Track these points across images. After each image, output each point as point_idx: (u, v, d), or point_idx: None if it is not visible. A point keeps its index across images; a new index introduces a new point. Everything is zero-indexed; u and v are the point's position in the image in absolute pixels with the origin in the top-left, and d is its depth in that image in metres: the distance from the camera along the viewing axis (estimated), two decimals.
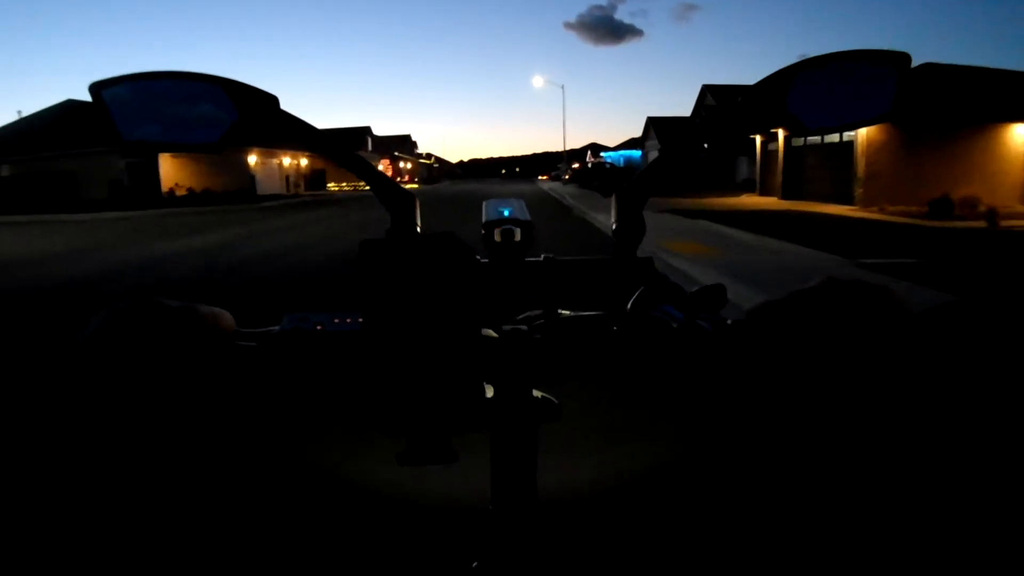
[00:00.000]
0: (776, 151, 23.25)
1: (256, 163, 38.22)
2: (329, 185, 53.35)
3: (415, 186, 53.23)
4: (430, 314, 0.46)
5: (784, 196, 21.78)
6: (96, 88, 0.54)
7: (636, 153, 55.77)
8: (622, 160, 56.48)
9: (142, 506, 2.33)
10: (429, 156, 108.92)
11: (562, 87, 48.26)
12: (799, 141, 21.31)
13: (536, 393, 0.55)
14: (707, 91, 41.12)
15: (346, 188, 53.45)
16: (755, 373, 0.50)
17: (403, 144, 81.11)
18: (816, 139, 20.31)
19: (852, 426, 2.60)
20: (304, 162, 46.18)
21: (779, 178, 22.45)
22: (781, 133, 21.85)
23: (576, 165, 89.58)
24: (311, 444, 2.80)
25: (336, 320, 0.54)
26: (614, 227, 0.58)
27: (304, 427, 2.89)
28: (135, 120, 0.56)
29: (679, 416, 3.10)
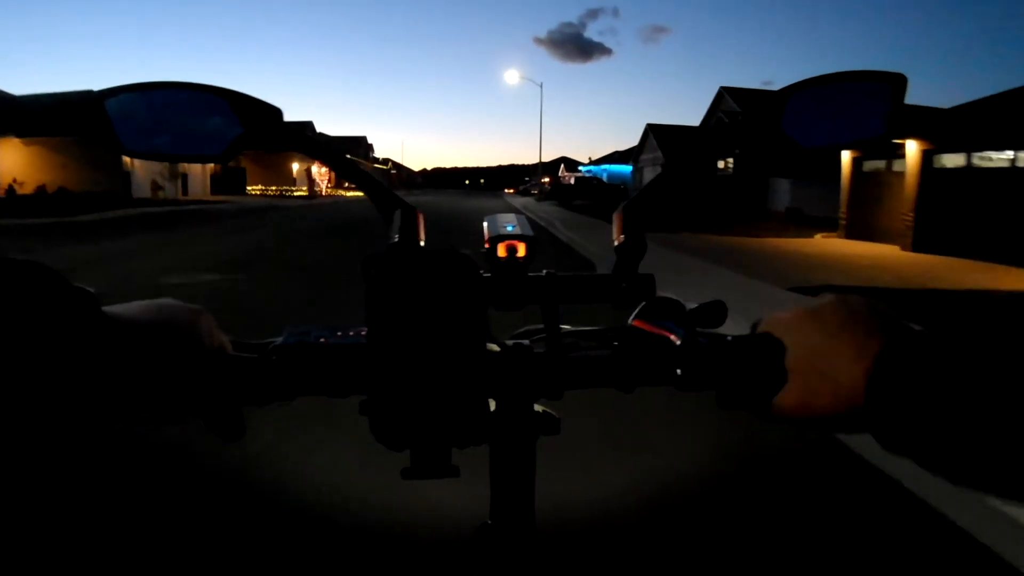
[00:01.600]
0: (886, 174, 14.61)
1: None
2: (251, 188, 43.90)
3: (344, 194, 45.19)
4: (435, 329, 0.47)
5: (920, 246, 12.62)
6: (100, 97, 0.54)
7: (623, 168, 47.69)
8: (604, 175, 48.50)
9: (135, 525, 2.33)
10: (387, 161, 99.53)
11: (540, 85, 40.31)
12: (953, 160, 12.74)
13: (537, 407, 0.56)
14: (724, 93, 33.08)
15: (271, 192, 43.93)
16: (759, 387, 0.50)
17: (357, 147, 73.61)
18: (988, 160, 12.01)
19: None
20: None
21: (904, 217, 13.20)
22: (913, 146, 13.29)
23: (547, 179, 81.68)
24: (310, 456, 2.88)
25: (339, 333, 0.53)
26: (616, 244, 0.59)
27: (303, 439, 3.02)
28: (138, 130, 0.56)
29: (680, 431, 3.20)
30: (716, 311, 0.56)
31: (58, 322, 0.36)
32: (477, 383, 0.48)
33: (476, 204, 32.54)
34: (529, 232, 0.57)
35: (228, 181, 40.85)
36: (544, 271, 0.58)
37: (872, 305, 0.47)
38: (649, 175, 40.08)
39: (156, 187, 31.69)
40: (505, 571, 0.56)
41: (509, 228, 0.57)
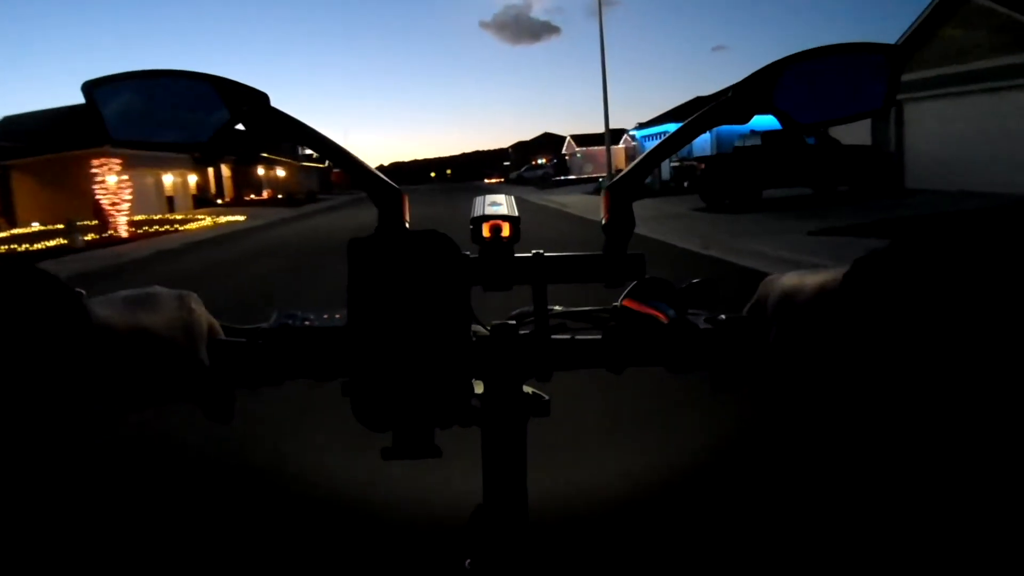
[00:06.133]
0: None
1: None
2: (203, 221, 26.93)
3: (237, 220, 28.66)
4: (416, 309, 0.48)
5: None
6: (88, 87, 0.54)
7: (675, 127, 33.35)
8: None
9: (127, 510, 2.50)
10: (323, 159, 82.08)
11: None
12: None
13: (526, 389, 0.57)
14: None
15: (238, 221, 26.49)
16: (756, 367, 0.51)
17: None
18: None
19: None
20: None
21: None
22: None
23: (544, 159, 65.91)
24: (299, 439, 3.05)
25: (325, 316, 0.55)
26: (604, 222, 0.58)
27: (291, 422, 3.14)
28: (125, 119, 0.56)
29: (672, 412, 3.22)
30: (707, 291, 0.57)
31: (43, 322, 0.37)
32: (458, 363, 0.49)
33: (462, 213, 17.01)
34: (514, 212, 0.56)
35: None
36: (532, 251, 0.57)
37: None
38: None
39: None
40: (499, 552, 0.56)
41: (493, 208, 0.57)
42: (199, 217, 25.58)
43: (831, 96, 0.58)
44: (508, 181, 61.34)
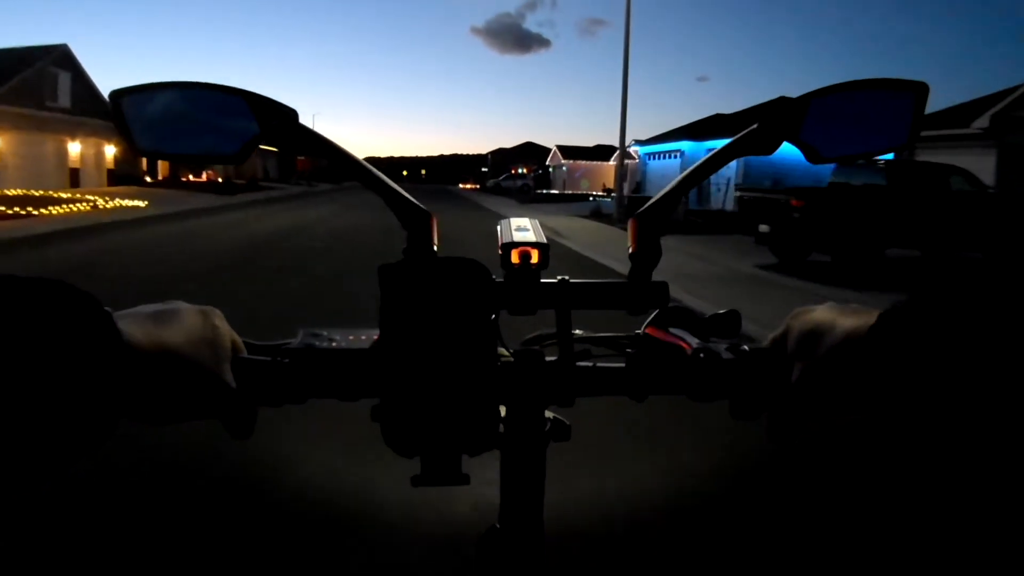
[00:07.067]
0: None
1: None
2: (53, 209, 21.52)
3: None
4: (448, 336, 0.48)
5: None
6: (115, 96, 0.55)
7: (686, 145, 28.17)
8: (679, 157, 27.74)
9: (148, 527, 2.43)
10: None
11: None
12: None
13: (548, 414, 0.57)
14: None
15: (82, 211, 20.99)
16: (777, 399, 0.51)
17: None
18: None
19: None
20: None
21: None
22: None
23: (524, 169, 60.71)
24: (320, 460, 2.92)
25: (351, 337, 0.55)
26: (631, 251, 0.59)
27: (312, 443, 3.01)
28: (152, 130, 0.56)
29: (692, 439, 3.26)
30: (730, 321, 0.57)
31: (77, 340, 0.37)
32: (489, 390, 0.50)
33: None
34: (542, 238, 0.56)
35: None
36: (558, 277, 0.57)
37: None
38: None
39: None
40: (511, 575, 0.57)
41: (522, 234, 0.57)
42: (88, 198, 20.12)
43: (856, 130, 0.58)
44: (484, 189, 54.71)
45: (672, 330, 0.57)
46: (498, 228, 0.59)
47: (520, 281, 0.55)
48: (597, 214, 20.82)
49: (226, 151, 0.55)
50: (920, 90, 0.57)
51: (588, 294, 0.57)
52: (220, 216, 18.67)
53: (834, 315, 0.49)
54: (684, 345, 0.55)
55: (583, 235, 14.10)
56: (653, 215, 0.58)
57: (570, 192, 42.61)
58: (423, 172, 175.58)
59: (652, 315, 0.58)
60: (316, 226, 15.96)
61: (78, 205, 17.84)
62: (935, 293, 0.41)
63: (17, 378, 0.34)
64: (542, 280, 0.56)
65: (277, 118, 0.54)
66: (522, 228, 0.58)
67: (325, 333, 0.55)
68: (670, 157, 27.38)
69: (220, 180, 35.86)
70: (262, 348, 0.54)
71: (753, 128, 0.57)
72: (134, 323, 0.43)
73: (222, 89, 0.55)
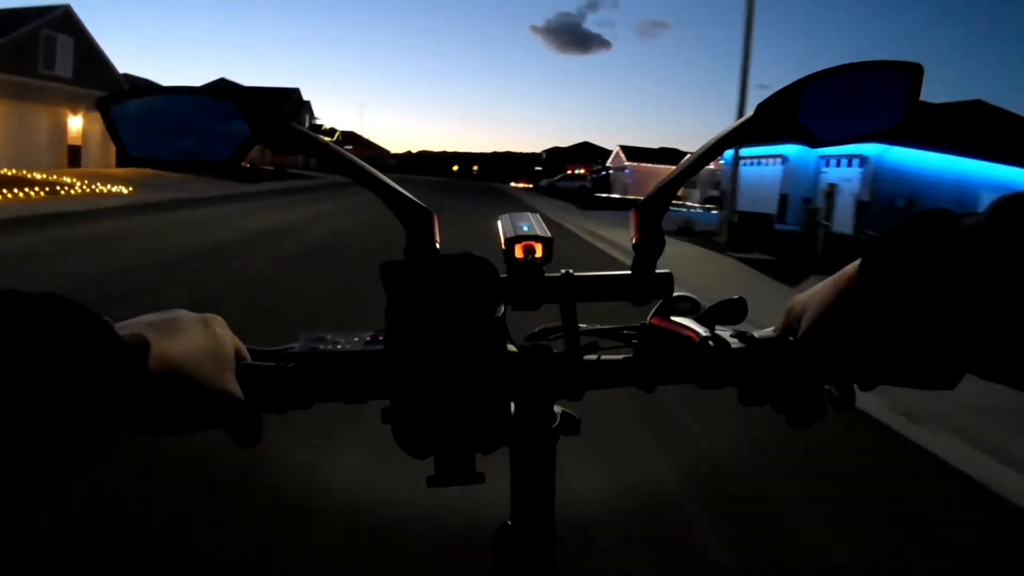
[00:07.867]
0: None
1: None
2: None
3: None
4: (457, 334, 0.48)
5: None
6: (104, 103, 0.54)
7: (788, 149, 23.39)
8: (780, 163, 22.72)
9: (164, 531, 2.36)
10: (332, 132, 69.52)
11: None
12: None
13: (556, 408, 0.57)
14: None
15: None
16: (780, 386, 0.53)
17: (282, 101, 48.14)
18: None
19: None
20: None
21: None
22: None
23: (582, 170, 55.96)
24: (329, 462, 2.89)
25: (355, 339, 0.55)
26: (634, 241, 0.59)
27: (321, 446, 2.98)
28: (144, 136, 0.56)
29: (700, 429, 3.32)
30: (735, 308, 0.57)
31: (76, 353, 0.37)
32: (499, 387, 0.50)
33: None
34: (546, 232, 0.56)
35: None
36: (562, 271, 0.57)
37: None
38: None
39: None
40: (525, 572, 0.57)
41: (525, 228, 0.57)
42: (72, 181, 16.91)
43: (852, 113, 0.58)
44: (537, 189, 49.58)
45: (677, 319, 0.56)
46: (498, 224, 0.58)
47: (524, 276, 0.55)
48: (688, 231, 16.25)
49: (220, 155, 0.54)
50: (915, 70, 0.57)
51: (593, 287, 0.57)
52: (209, 209, 15.13)
53: (818, 283, 0.53)
54: (691, 334, 0.54)
55: (690, 273, 8.93)
56: (654, 204, 0.57)
57: (632, 197, 37.95)
58: (475, 168, 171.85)
59: (657, 305, 0.58)
60: (296, 232, 12.16)
61: (37, 189, 14.45)
62: (906, 230, 0.45)
63: (17, 392, 0.34)
64: (546, 275, 0.55)
65: (268, 120, 0.53)
66: (525, 223, 0.57)
67: (328, 336, 0.55)
68: (769, 163, 22.59)
69: (246, 165, 32.56)
70: (265, 354, 0.54)
71: (750, 116, 0.56)
72: (135, 334, 0.43)
73: (210, 93, 0.54)
